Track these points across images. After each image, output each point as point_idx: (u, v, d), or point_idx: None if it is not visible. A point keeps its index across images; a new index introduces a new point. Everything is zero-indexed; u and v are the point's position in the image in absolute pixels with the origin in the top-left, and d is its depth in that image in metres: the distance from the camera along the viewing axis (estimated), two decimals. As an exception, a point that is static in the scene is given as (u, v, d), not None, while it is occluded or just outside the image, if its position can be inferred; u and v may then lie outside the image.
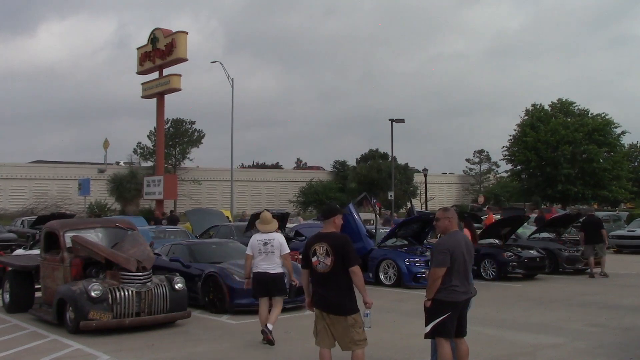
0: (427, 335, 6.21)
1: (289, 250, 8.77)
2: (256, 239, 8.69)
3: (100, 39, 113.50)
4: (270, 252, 8.53)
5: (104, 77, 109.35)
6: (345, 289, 5.99)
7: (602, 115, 55.54)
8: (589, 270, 16.39)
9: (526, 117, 56.59)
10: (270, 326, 8.40)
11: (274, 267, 8.52)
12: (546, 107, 57.01)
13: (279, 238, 8.68)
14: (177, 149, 59.13)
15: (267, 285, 8.52)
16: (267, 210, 10.25)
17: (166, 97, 37.46)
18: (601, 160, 53.10)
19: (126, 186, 50.30)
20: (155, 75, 37.50)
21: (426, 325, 6.15)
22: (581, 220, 17.64)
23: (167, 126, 53.00)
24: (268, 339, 8.34)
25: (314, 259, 6.08)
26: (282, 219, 20.96)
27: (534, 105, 57.07)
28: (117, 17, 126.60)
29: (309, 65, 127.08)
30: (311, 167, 78.27)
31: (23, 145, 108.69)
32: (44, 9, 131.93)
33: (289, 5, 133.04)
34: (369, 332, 6.15)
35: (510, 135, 57.47)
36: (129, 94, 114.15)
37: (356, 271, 5.96)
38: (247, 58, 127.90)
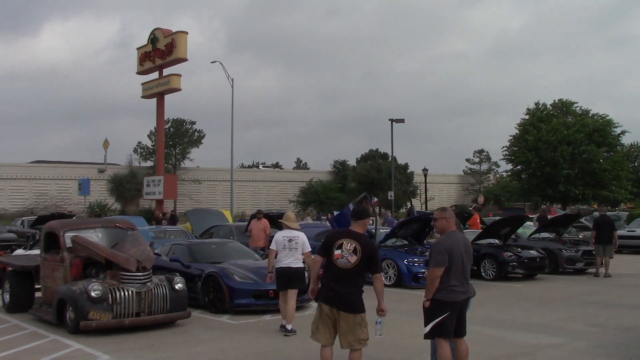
0: (426, 336, 6.21)
1: (310, 249, 9.28)
2: (281, 235, 9.31)
3: (102, 40, 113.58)
4: (294, 249, 9.19)
5: (105, 77, 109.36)
6: (359, 288, 6.12)
7: (602, 115, 55.55)
8: (594, 269, 16.45)
9: (527, 117, 56.57)
10: (289, 326, 9.07)
11: (296, 262, 9.19)
12: (548, 107, 56.98)
13: (302, 236, 9.32)
14: (177, 149, 59.12)
15: (289, 278, 9.17)
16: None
17: (167, 97, 37.45)
18: (601, 161, 53.10)
19: (126, 186, 50.28)
20: (155, 75, 37.49)
21: (425, 325, 6.15)
22: (593, 218, 17.66)
23: (167, 126, 52.99)
24: (291, 330, 9.02)
25: (337, 252, 6.07)
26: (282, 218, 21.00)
27: (536, 104, 57.09)
28: (119, 17, 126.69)
29: (310, 65, 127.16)
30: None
31: (23, 145, 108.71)
32: (47, 9, 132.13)
33: (290, 5, 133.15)
34: (371, 334, 6.16)
35: (510, 135, 57.48)
36: (130, 94, 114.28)
37: (380, 278, 6.20)
38: (248, 58, 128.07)
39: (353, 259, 6.02)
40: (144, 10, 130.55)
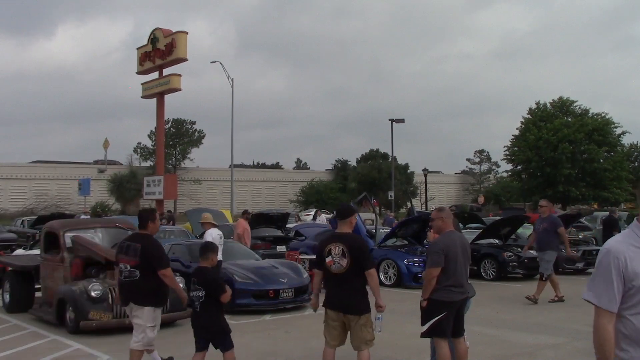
0: (423, 334, 6.20)
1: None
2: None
3: (113, 41, 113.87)
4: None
5: (110, 78, 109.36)
6: (360, 289, 5.98)
7: (602, 114, 55.56)
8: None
9: (529, 116, 56.57)
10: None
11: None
12: (548, 106, 57.02)
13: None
14: (177, 149, 59.20)
15: None
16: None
17: (168, 97, 37.39)
18: (601, 161, 53.10)
19: (126, 186, 50.32)
20: (155, 75, 37.45)
21: (422, 324, 6.15)
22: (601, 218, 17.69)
23: (167, 126, 53.06)
24: None
25: (328, 259, 6.01)
26: (282, 219, 21.01)
27: (537, 103, 57.11)
28: (131, 19, 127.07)
29: (317, 66, 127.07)
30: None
31: (24, 146, 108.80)
32: (62, 12, 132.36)
33: (299, 7, 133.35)
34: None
35: (513, 135, 57.44)
36: (130, 94, 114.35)
37: (373, 274, 5.95)
38: (258, 59, 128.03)
39: (344, 262, 5.91)
40: (155, 12, 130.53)
